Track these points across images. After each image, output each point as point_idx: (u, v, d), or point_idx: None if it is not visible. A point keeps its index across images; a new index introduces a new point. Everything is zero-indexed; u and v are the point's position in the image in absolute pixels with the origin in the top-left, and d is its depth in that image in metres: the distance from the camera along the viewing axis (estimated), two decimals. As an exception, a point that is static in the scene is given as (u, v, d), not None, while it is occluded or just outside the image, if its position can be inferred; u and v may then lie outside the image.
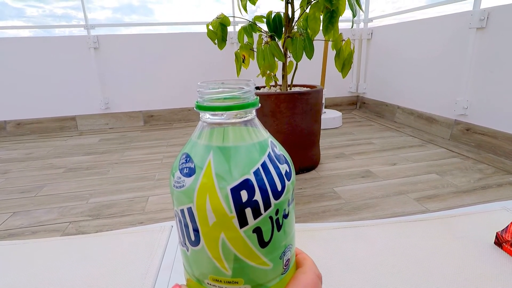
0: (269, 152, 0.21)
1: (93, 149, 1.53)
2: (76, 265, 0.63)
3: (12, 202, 0.98)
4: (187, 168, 0.21)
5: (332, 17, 0.94)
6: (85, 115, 1.99)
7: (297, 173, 1.11)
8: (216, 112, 0.21)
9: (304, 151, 1.11)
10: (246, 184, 0.19)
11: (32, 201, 0.98)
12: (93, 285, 0.57)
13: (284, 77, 1.10)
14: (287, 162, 0.23)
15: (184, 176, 0.21)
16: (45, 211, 0.91)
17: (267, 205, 0.20)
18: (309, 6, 0.97)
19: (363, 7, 2.07)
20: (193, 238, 0.21)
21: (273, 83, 1.20)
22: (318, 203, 0.90)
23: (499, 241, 0.62)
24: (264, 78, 1.15)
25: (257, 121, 0.23)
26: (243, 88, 0.21)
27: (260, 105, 0.22)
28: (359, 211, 0.84)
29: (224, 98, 0.21)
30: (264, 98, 1.01)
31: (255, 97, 0.22)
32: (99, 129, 2.00)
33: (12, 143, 1.71)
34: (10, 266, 0.64)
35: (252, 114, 0.22)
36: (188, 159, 0.21)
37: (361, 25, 2.15)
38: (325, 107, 2.12)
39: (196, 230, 0.21)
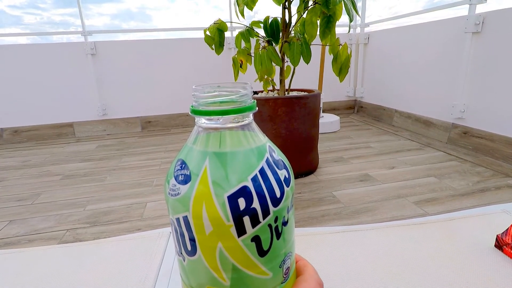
0: (267, 157, 0.21)
1: (91, 156, 1.52)
2: (73, 273, 0.62)
3: (8, 210, 0.97)
4: (183, 175, 0.20)
5: (329, 22, 0.95)
6: (82, 121, 1.98)
7: (295, 178, 1.11)
8: (212, 117, 0.20)
9: (302, 156, 1.10)
10: (243, 191, 0.19)
11: (28, 209, 0.97)
12: (90, 294, 0.56)
13: (281, 81, 1.10)
14: (286, 168, 0.22)
15: (179, 183, 0.20)
16: (42, 219, 0.90)
17: (265, 213, 0.19)
18: (306, 11, 0.98)
19: (360, 12, 2.08)
20: (189, 247, 0.20)
21: (270, 87, 1.20)
22: (317, 207, 0.89)
23: (500, 244, 0.61)
24: (262, 83, 1.15)
25: (254, 125, 0.22)
26: (240, 91, 0.21)
27: (257, 109, 0.22)
28: (358, 215, 0.84)
29: (220, 102, 0.20)
30: (262, 103, 1.01)
31: (252, 100, 0.22)
32: (97, 135, 1.99)
33: (9, 151, 1.70)
34: (7, 275, 0.63)
35: (249, 118, 0.21)
36: (183, 165, 0.20)
37: (358, 30, 2.16)
38: (323, 111, 2.12)
39: (192, 240, 0.20)
